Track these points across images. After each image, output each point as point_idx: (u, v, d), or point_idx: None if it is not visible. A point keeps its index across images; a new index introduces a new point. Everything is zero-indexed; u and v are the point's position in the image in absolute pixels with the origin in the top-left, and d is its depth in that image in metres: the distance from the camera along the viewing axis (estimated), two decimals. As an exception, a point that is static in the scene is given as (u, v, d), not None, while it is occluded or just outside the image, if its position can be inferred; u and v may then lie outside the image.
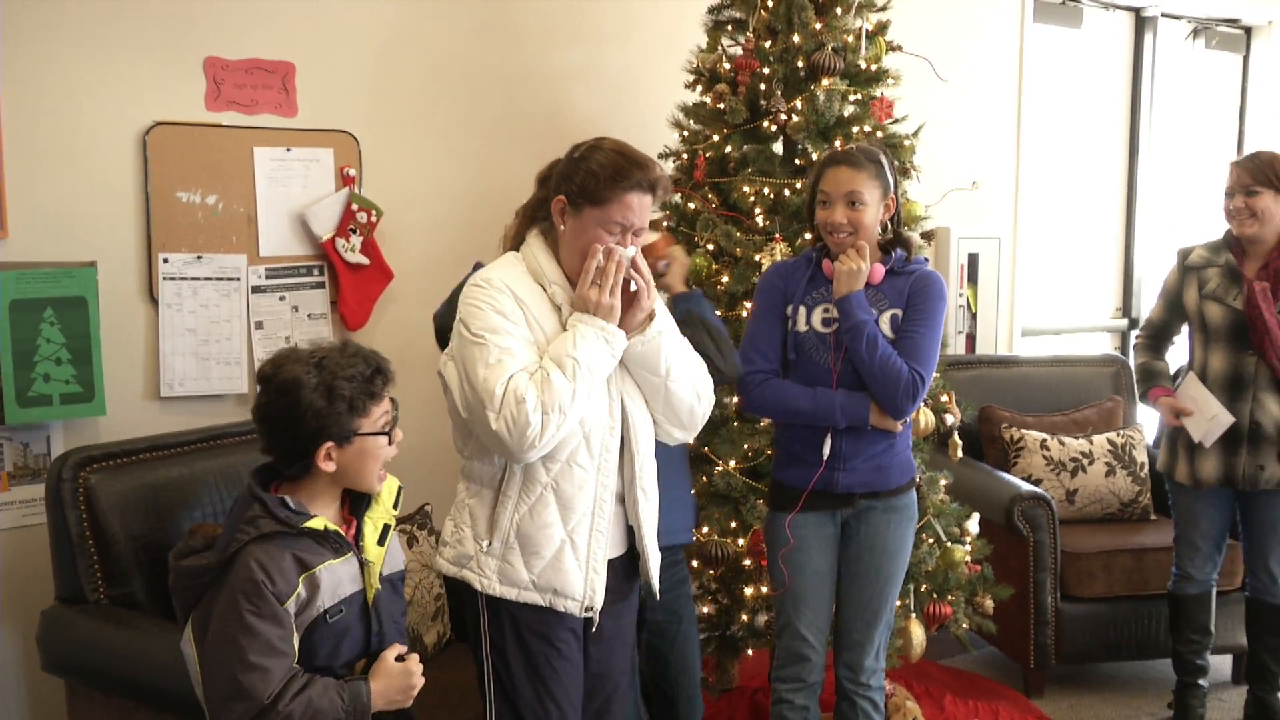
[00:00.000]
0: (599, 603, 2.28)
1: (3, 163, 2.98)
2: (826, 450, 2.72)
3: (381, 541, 2.09)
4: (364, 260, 3.53)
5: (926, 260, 2.87)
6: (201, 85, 3.29)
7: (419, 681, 2.05)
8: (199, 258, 3.29)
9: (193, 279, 3.28)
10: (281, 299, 3.44)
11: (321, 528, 2.00)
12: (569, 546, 2.24)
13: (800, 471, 2.78)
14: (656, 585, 2.42)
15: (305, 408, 1.98)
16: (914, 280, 2.76)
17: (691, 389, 2.36)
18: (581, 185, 2.21)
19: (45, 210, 3.07)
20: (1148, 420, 4.67)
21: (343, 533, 2.05)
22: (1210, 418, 3.38)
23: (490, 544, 2.24)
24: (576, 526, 2.25)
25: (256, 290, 3.39)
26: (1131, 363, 5.10)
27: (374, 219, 3.53)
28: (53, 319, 3.02)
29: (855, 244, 2.70)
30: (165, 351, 3.26)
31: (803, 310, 2.77)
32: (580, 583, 2.25)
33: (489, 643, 2.27)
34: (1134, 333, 5.50)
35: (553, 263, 2.28)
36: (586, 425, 2.23)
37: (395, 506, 2.16)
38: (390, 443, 2.11)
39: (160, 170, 3.21)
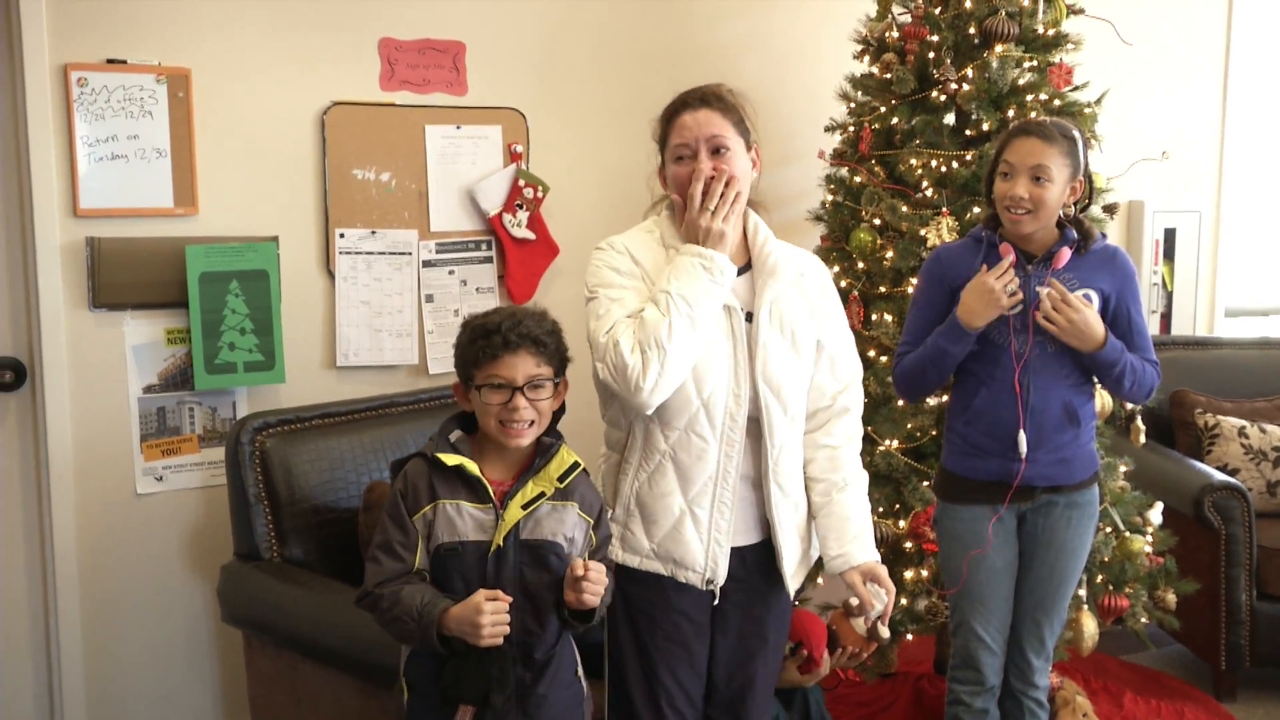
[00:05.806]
0: (721, 576, 2.24)
1: (195, 145, 3.16)
2: (1023, 445, 2.57)
3: (527, 506, 2.08)
4: (530, 235, 3.59)
5: (1105, 236, 2.72)
6: (376, 66, 3.40)
7: (487, 623, 1.93)
8: (373, 233, 3.41)
9: (367, 253, 3.40)
10: (451, 273, 3.53)
11: (453, 465, 2.05)
12: (689, 518, 2.22)
13: (978, 463, 2.65)
14: (793, 586, 2.34)
15: (457, 344, 2.16)
16: (1117, 261, 2.65)
17: None
18: (658, 137, 2.35)
19: (232, 188, 3.23)
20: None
21: (487, 483, 2.07)
22: None
23: (614, 511, 2.26)
24: (697, 498, 2.21)
25: (427, 264, 3.49)
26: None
27: (540, 195, 3.59)
28: (237, 291, 3.20)
29: (1032, 227, 2.55)
30: (341, 323, 3.40)
31: None
32: (702, 555, 2.22)
33: (608, 615, 2.27)
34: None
35: (673, 229, 2.32)
36: (705, 390, 2.18)
37: (562, 480, 2.11)
38: (499, 405, 2.06)
39: (337, 149, 3.34)
